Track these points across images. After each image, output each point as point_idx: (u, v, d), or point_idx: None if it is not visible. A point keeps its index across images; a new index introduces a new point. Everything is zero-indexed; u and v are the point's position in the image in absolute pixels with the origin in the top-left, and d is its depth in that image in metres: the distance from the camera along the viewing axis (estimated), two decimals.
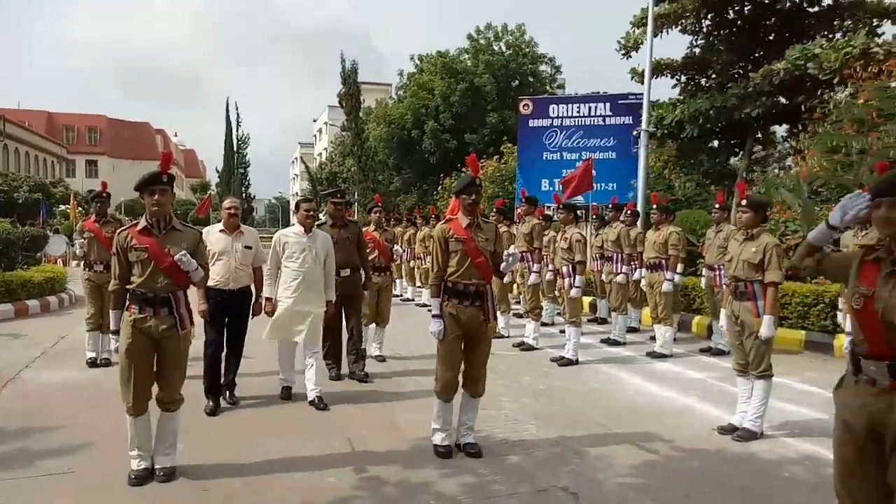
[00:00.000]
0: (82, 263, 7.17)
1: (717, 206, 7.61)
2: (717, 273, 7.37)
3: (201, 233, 4.07)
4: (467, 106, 26.62)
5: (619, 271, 8.36)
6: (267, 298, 5.45)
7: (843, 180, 8.81)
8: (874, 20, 13.42)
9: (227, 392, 5.41)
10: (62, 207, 31.67)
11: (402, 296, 12.78)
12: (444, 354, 4.17)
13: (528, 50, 27.45)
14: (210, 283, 4.92)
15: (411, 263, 12.84)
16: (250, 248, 5.34)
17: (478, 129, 26.52)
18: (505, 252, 4.25)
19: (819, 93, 11.28)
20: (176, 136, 72.79)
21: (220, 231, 5.30)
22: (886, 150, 8.81)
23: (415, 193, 29.91)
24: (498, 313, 6.90)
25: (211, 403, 5.19)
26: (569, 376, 6.61)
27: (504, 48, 27.61)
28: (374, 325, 7.24)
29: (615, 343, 8.20)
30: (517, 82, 27.56)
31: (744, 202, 4.73)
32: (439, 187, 24.35)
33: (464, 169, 22.17)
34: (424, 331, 4.51)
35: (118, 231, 3.85)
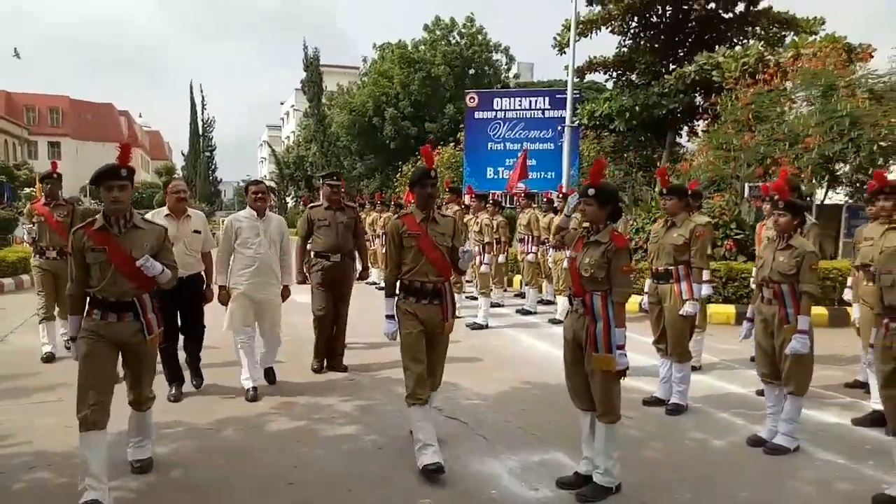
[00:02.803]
0: (32, 249, 6.65)
1: None
2: None
3: (167, 229, 3.75)
4: (426, 94, 27.71)
5: (529, 251, 9.69)
6: (220, 286, 5.24)
7: (723, 173, 10.27)
8: (780, 30, 14.95)
9: (193, 378, 5.34)
10: (27, 190, 31.86)
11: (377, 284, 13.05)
12: (407, 349, 3.92)
13: (480, 38, 28.53)
14: None
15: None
16: (199, 232, 5.17)
17: (437, 118, 27.65)
18: (460, 249, 4.06)
19: (713, 95, 12.72)
20: (140, 116, 72.14)
21: (166, 216, 5.04)
22: (757, 146, 10.29)
23: (377, 178, 31.00)
24: None
25: (174, 391, 5.15)
26: (477, 338, 7.94)
27: (458, 38, 28.67)
28: None
29: (527, 313, 9.56)
30: (473, 71, 28.71)
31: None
32: (398, 174, 25.50)
33: (420, 157, 23.36)
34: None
35: (73, 230, 3.50)
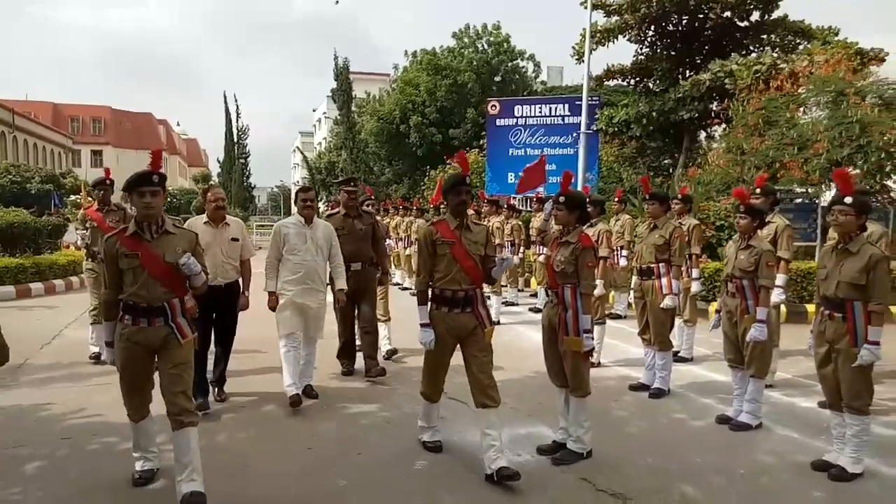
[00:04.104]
0: (85, 253, 6.91)
1: (616, 199, 9.49)
2: (615, 254, 9.23)
3: (197, 235, 3.84)
4: (452, 101, 28.34)
5: (540, 253, 10.22)
6: (270, 293, 5.24)
7: (730, 177, 10.66)
8: (795, 39, 15.20)
9: (217, 388, 5.23)
10: (72, 197, 33.44)
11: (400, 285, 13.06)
12: (429, 362, 4.01)
13: (506, 46, 29.07)
14: None
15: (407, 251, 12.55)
16: (237, 240, 5.13)
17: (461, 124, 28.26)
18: (497, 256, 4.01)
19: (726, 101, 13.07)
20: (178, 125, 74.47)
21: (205, 223, 5.04)
22: (766, 151, 10.65)
23: (405, 184, 31.76)
24: None
25: (198, 400, 4.94)
26: None
27: (486, 46, 29.25)
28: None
29: (539, 311, 10.09)
30: (499, 78, 29.26)
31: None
32: (426, 178, 26.19)
33: (449, 162, 24.06)
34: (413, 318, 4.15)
35: (106, 237, 3.60)
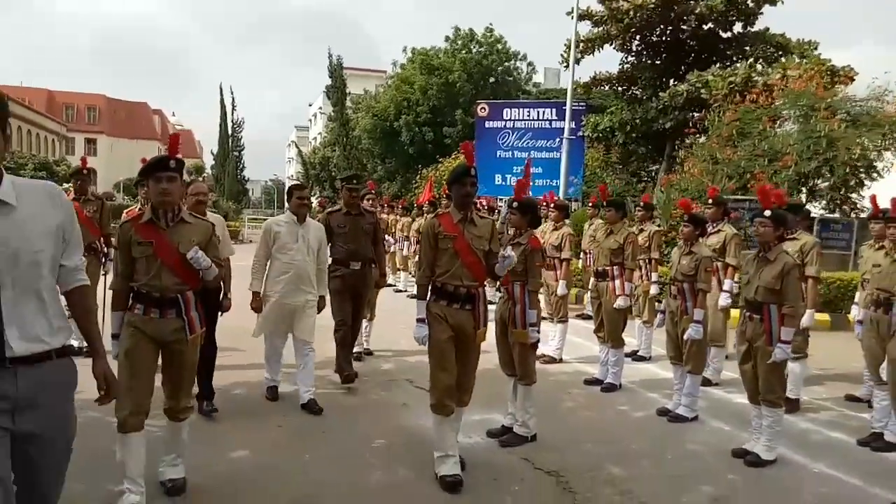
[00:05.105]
0: None
1: (590, 204, 9.88)
2: (588, 256, 9.64)
3: (214, 224, 3.71)
4: (444, 101, 28.68)
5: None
6: (255, 293, 5.09)
7: (703, 186, 11.08)
8: (776, 51, 15.68)
9: (205, 402, 4.83)
10: (65, 185, 33.56)
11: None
12: (437, 357, 3.79)
13: (499, 47, 29.43)
14: None
15: (391, 249, 12.42)
16: (218, 237, 4.59)
17: (455, 123, 28.62)
18: (500, 253, 3.79)
19: (703, 111, 13.52)
20: (174, 115, 74.52)
21: None
22: (738, 161, 11.10)
23: (398, 181, 32.12)
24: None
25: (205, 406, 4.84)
26: None
27: (478, 47, 29.59)
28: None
29: None
30: (493, 80, 29.61)
31: (552, 204, 6.96)
32: (417, 176, 26.57)
33: (441, 161, 24.35)
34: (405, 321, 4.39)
35: (121, 223, 3.46)
